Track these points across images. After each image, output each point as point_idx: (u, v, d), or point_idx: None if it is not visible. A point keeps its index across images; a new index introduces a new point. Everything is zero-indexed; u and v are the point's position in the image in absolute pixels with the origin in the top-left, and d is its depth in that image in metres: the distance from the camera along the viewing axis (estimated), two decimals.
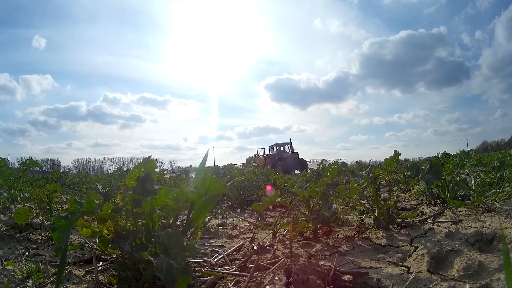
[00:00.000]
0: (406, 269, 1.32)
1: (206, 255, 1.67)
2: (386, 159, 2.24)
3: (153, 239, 1.10)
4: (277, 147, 24.35)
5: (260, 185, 3.88)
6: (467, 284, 1.08)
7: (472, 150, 6.70)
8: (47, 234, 1.98)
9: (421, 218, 1.98)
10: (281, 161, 22.20)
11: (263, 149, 26.63)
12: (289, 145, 24.04)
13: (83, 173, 10.75)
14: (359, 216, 2.37)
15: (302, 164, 21.61)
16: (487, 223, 1.68)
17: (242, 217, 2.93)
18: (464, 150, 6.37)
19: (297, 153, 22.94)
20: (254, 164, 24.14)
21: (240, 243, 1.87)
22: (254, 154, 25.97)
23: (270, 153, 24.92)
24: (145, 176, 1.27)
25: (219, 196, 1.18)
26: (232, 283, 1.23)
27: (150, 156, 1.31)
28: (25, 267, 1.30)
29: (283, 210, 3.13)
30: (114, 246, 1.09)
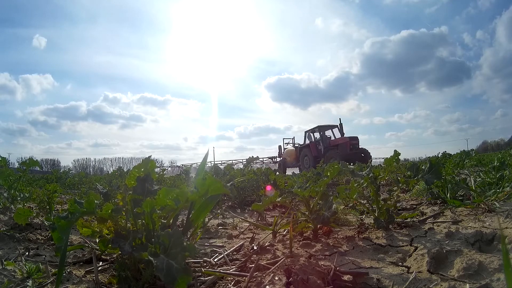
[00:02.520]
0: (406, 269, 1.32)
1: (206, 255, 1.67)
2: (386, 159, 2.24)
3: (153, 239, 1.10)
4: (321, 132, 17.13)
5: (260, 185, 3.87)
6: (467, 284, 1.08)
7: (472, 150, 6.69)
8: (47, 234, 1.98)
9: (421, 218, 1.98)
10: (332, 151, 15.57)
11: (293, 138, 20.58)
12: (338, 128, 16.94)
13: (83, 173, 10.74)
14: (359, 216, 2.37)
15: (365, 155, 15.04)
16: (487, 223, 1.68)
17: (242, 217, 2.93)
18: (464, 150, 6.37)
19: (356, 138, 15.84)
20: (278, 159, 20.84)
21: (240, 243, 1.87)
22: (280, 146, 20.89)
23: (308, 141, 17.71)
24: (145, 176, 1.27)
25: (219, 196, 1.18)
26: (232, 283, 1.23)
27: (150, 156, 1.31)
28: (25, 267, 1.30)
29: (283, 210, 3.13)
30: (114, 246, 1.09)
